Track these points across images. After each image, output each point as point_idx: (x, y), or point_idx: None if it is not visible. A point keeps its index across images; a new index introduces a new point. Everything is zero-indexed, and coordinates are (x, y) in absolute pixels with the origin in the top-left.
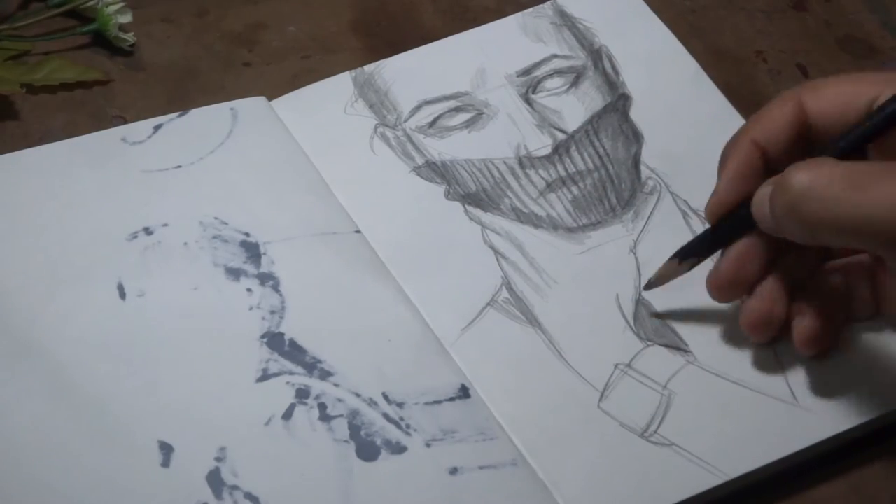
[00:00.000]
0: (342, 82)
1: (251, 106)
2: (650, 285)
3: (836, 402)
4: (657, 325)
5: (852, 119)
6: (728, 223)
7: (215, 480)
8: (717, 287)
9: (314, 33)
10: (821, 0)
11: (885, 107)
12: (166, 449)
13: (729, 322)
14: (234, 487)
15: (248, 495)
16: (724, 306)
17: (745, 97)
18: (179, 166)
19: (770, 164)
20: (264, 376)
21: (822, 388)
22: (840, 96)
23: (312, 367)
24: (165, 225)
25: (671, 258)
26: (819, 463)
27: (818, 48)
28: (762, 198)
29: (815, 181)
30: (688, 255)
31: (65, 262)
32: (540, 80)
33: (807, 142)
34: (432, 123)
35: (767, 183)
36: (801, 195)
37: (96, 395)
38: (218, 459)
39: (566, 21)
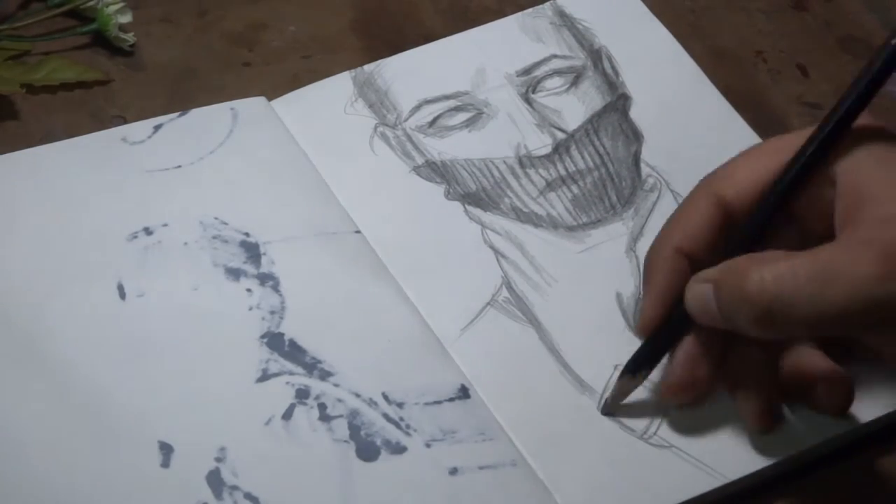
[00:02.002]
0: (342, 82)
1: (251, 106)
2: (607, 408)
3: None
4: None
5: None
6: (665, 332)
7: (215, 480)
8: (672, 394)
9: (314, 33)
10: (821, 0)
11: (777, 182)
12: (166, 449)
13: None
14: (234, 487)
15: (248, 495)
16: None
17: (745, 97)
18: (179, 166)
19: (695, 263)
20: (264, 376)
21: None
22: (751, 177)
23: (312, 367)
24: (165, 225)
25: (622, 376)
26: (819, 464)
27: (818, 48)
28: (701, 296)
29: (782, 285)
30: (637, 368)
31: (65, 262)
32: (540, 80)
33: (730, 233)
34: (432, 123)
35: (698, 279)
36: (772, 303)
37: (96, 394)
38: (218, 459)
39: (566, 21)
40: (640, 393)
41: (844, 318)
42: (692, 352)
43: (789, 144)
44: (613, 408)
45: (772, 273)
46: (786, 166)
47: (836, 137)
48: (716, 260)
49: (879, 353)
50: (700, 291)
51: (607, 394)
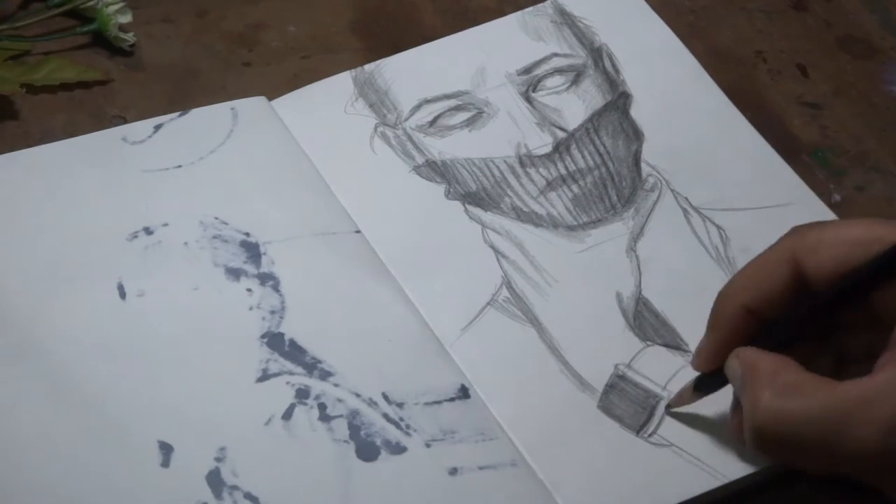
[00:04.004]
0: (342, 82)
1: (251, 106)
2: (669, 408)
3: None
4: (657, 325)
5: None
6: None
7: (215, 480)
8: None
9: (314, 33)
10: (821, 0)
11: (853, 278)
12: (166, 449)
13: None
14: (234, 487)
15: (248, 495)
16: None
17: (745, 97)
18: (180, 166)
19: (761, 320)
20: (264, 376)
21: None
22: (835, 257)
23: (312, 367)
24: (166, 225)
25: (689, 385)
26: None
27: (818, 48)
28: (732, 372)
29: (782, 422)
30: (702, 389)
31: (65, 262)
32: (540, 79)
33: (801, 296)
34: (432, 122)
35: (738, 355)
36: (766, 434)
37: (96, 394)
38: (218, 459)
39: (566, 19)
40: (640, 391)
41: (836, 471)
42: None
43: (881, 233)
44: (674, 408)
45: (779, 405)
46: (870, 263)
47: None
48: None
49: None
50: (734, 369)
51: (673, 398)
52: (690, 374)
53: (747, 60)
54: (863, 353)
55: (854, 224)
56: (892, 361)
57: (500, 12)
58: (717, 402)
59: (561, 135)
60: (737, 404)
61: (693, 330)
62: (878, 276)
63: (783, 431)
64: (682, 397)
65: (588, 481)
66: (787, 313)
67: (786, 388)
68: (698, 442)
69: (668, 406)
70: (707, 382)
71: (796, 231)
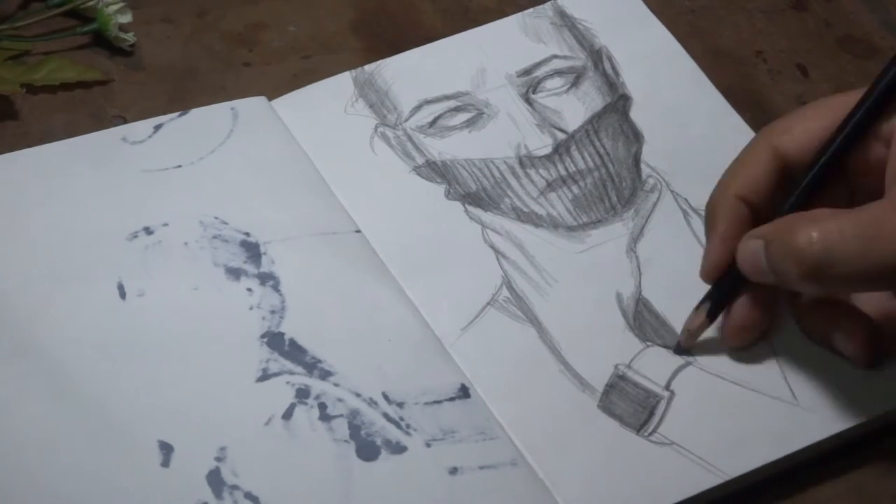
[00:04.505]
0: (342, 82)
1: (251, 106)
2: (680, 347)
3: (835, 401)
4: (657, 325)
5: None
6: (728, 278)
7: (215, 480)
8: (734, 336)
9: (314, 33)
10: (821, 0)
11: (830, 140)
12: (166, 449)
13: None
14: (234, 487)
15: (248, 495)
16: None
17: (745, 97)
18: (180, 166)
19: (755, 212)
20: (264, 376)
21: (822, 387)
22: (808, 133)
23: (312, 366)
24: (166, 225)
25: (693, 312)
26: (819, 463)
27: (818, 48)
28: (752, 253)
29: (829, 242)
30: (703, 303)
31: (65, 262)
32: (540, 81)
33: (786, 183)
34: (432, 123)
35: (751, 236)
36: (820, 260)
37: (96, 395)
38: (218, 459)
39: (566, 21)
40: (640, 391)
41: (890, 273)
42: (751, 295)
43: (843, 103)
44: (686, 345)
45: (820, 230)
46: (840, 125)
47: (886, 99)
48: (772, 210)
49: None
50: (751, 248)
51: (679, 337)
52: (693, 375)
53: (747, 60)
54: None
55: (816, 103)
56: None
57: (500, 13)
58: (717, 402)
59: (561, 136)
60: (736, 307)
61: None
62: (850, 136)
63: (830, 251)
64: (692, 331)
65: (588, 481)
66: (776, 199)
67: (819, 217)
68: (699, 440)
69: (678, 349)
70: (714, 295)
71: (769, 125)
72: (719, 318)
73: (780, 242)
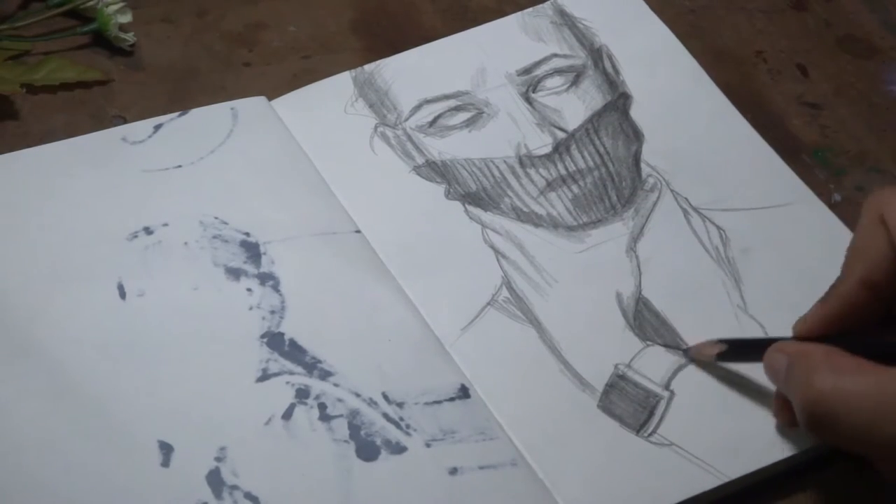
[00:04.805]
0: (342, 82)
1: (251, 106)
2: (689, 353)
3: None
4: (657, 325)
5: None
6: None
7: (215, 480)
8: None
9: (314, 33)
10: (821, 0)
11: None
12: (166, 449)
13: (729, 322)
14: (234, 487)
15: (248, 495)
16: (723, 307)
17: (745, 97)
18: (180, 166)
19: (879, 296)
20: (264, 376)
21: None
22: None
23: (312, 366)
24: (166, 225)
25: (720, 353)
26: (819, 463)
27: (818, 48)
28: (775, 366)
29: (839, 402)
30: (734, 356)
31: (65, 262)
32: (540, 79)
33: None
34: (432, 123)
35: (781, 349)
36: (824, 416)
37: (96, 395)
38: (218, 459)
39: (566, 20)
40: (640, 391)
41: (888, 454)
42: None
43: None
44: (693, 355)
45: (837, 383)
46: None
47: None
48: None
49: None
50: (776, 362)
51: (693, 346)
52: (693, 375)
53: (747, 60)
54: None
55: None
56: None
57: (500, 12)
58: (717, 403)
59: (561, 135)
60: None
61: (693, 330)
62: None
63: (838, 408)
64: (704, 352)
65: (588, 481)
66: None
67: (841, 367)
68: (698, 441)
69: (688, 352)
70: (735, 352)
71: (875, 194)
72: None
73: (797, 376)
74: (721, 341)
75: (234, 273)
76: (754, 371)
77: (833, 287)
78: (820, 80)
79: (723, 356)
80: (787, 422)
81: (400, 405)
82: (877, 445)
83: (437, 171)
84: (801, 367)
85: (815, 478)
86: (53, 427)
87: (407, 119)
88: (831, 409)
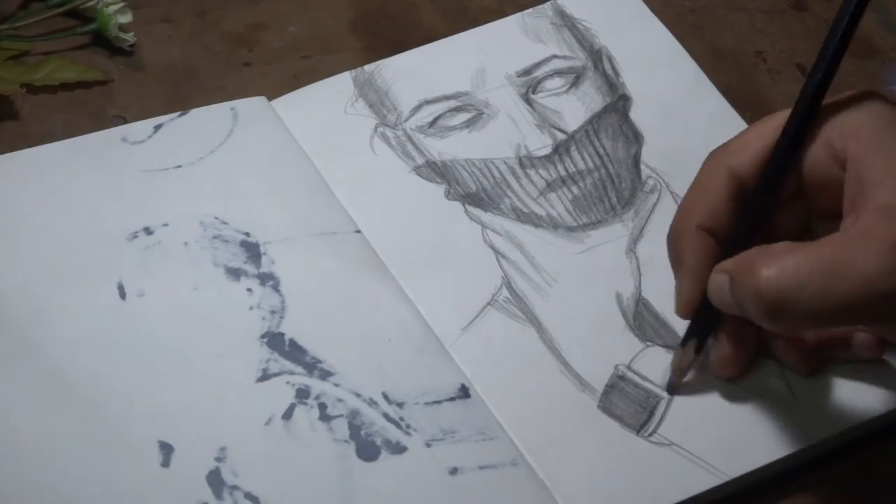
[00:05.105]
0: (342, 82)
1: (251, 106)
2: (672, 387)
3: (835, 401)
4: (657, 326)
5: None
6: (706, 309)
7: (215, 480)
8: (723, 368)
9: (314, 33)
10: (821, 0)
11: (775, 147)
12: (166, 449)
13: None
14: (234, 487)
15: (248, 495)
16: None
17: (745, 97)
18: (180, 166)
19: (719, 239)
20: (264, 376)
21: (822, 387)
22: (763, 150)
23: (312, 366)
24: (165, 225)
25: (676, 350)
26: (820, 463)
27: (818, 48)
28: (719, 287)
29: (787, 282)
30: (686, 341)
31: (65, 262)
32: (540, 81)
33: (744, 201)
34: (432, 123)
35: (717, 270)
36: (779, 299)
37: (96, 395)
38: (218, 459)
39: (566, 21)
40: (640, 391)
41: (850, 312)
42: (737, 325)
43: (782, 117)
44: (678, 385)
45: (778, 269)
46: (782, 130)
47: (821, 90)
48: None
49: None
50: (718, 283)
51: (669, 377)
52: (693, 375)
53: (747, 60)
54: (797, 232)
55: (770, 117)
56: (863, 210)
57: (500, 13)
58: (717, 402)
59: (560, 136)
60: (720, 340)
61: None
62: (792, 141)
63: (787, 289)
64: (682, 369)
65: (588, 481)
66: (737, 221)
67: (777, 253)
68: (698, 441)
69: (671, 388)
70: (696, 329)
71: (719, 146)
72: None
73: (741, 280)
74: (685, 340)
75: (234, 273)
76: (754, 370)
77: (674, 248)
78: None
79: (690, 340)
80: (731, 359)
81: (400, 405)
82: (832, 312)
83: (437, 171)
84: (743, 271)
85: (815, 477)
86: (53, 427)
87: (407, 119)
88: (784, 291)
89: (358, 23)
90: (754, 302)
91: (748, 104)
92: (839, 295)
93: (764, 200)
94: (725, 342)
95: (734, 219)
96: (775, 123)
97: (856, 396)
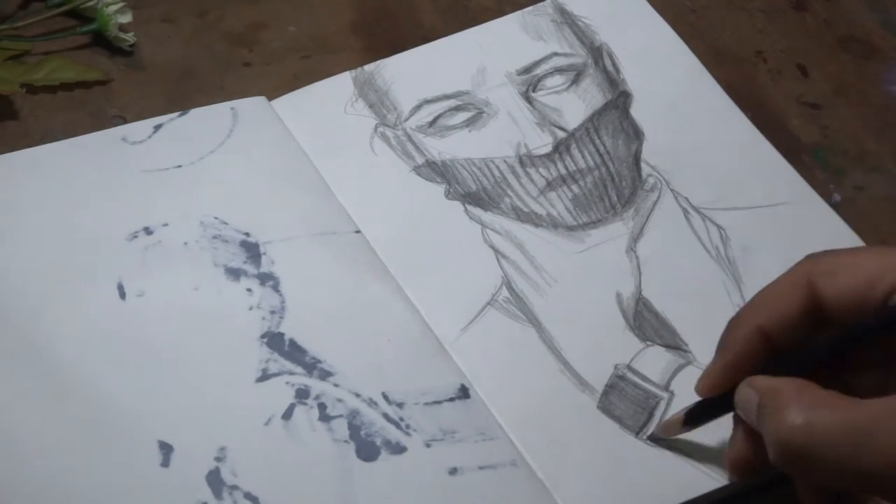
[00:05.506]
0: (342, 82)
1: (251, 106)
2: (656, 436)
3: None
4: (657, 325)
5: (870, 308)
6: (720, 403)
7: (215, 480)
8: (736, 471)
9: (314, 33)
10: (821, 0)
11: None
12: (166, 449)
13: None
14: (234, 487)
15: (248, 495)
16: (723, 306)
17: (745, 97)
18: (180, 166)
19: (774, 346)
20: (264, 376)
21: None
22: (856, 284)
23: (312, 367)
24: (165, 225)
25: (684, 420)
26: None
27: (818, 48)
28: (746, 403)
29: (814, 438)
30: (695, 421)
31: (65, 262)
32: (540, 79)
33: (817, 328)
34: (432, 123)
35: (751, 384)
36: (799, 453)
37: (96, 394)
38: (218, 459)
39: (566, 19)
40: (640, 391)
41: (874, 485)
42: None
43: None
44: (664, 435)
45: (808, 421)
46: (881, 311)
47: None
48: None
49: None
50: (746, 397)
51: (662, 421)
52: (693, 375)
53: (747, 60)
54: (874, 390)
55: (869, 252)
56: None
57: (499, 12)
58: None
59: (561, 134)
60: (737, 436)
61: (693, 330)
62: (888, 324)
63: (811, 444)
64: (670, 428)
65: (588, 481)
66: (802, 344)
67: (813, 402)
68: (697, 442)
69: (654, 435)
70: (703, 412)
71: (811, 257)
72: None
73: (768, 413)
74: (687, 411)
75: (234, 273)
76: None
77: (727, 334)
78: (820, 80)
79: (691, 418)
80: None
81: (400, 405)
82: (855, 478)
83: (437, 171)
84: (772, 404)
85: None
86: (53, 427)
87: (407, 119)
88: (804, 445)
89: (358, 23)
90: (775, 444)
91: (748, 104)
92: (865, 466)
93: (845, 347)
94: (742, 440)
95: (799, 335)
96: (878, 257)
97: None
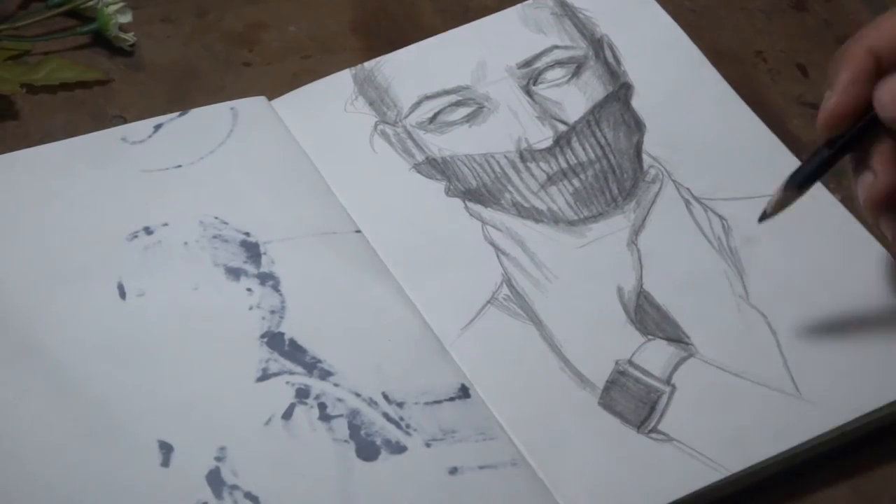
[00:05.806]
0: (342, 80)
1: (251, 106)
2: (766, 216)
3: (839, 393)
4: (658, 319)
5: None
6: (847, 135)
7: (215, 480)
8: (878, 208)
9: (314, 33)
10: (821, 0)
11: None
12: (166, 449)
13: (731, 313)
14: (234, 487)
15: (248, 495)
16: (726, 298)
17: (745, 97)
18: (180, 166)
19: (882, 68)
20: (264, 376)
21: (825, 379)
22: None
23: (312, 366)
24: (165, 225)
25: (785, 188)
26: (821, 463)
27: (818, 48)
28: (893, 93)
29: None
30: (805, 181)
31: (65, 262)
32: (541, 72)
33: None
34: (433, 119)
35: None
36: None
37: (96, 395)
38: (218, 459)
39: (567, 11)
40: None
41: None
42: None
43: None
44: (770, 216)
45: None
46: None
47: None
48: None
49: None
50: (893, 89)
51: (767, 206)
52: (694, 368)
53: (747, 60)
54: None
55: None
56: None
57: (499, 11)
58: (719, 396)
59: (562, 128)
60: (873, 170)
61: (695, 322)
62: None
63: None
64: (782, 203)
65: (588, 480)
66: None
67: None
68: (700, 436)
69: (764, 216)
70: (815, 164)
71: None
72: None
73: None
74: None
75: (234, 273)
76: (757, 362)
77: (841, 60)
78: (820, 80)
79: (799, 180)
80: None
81: (400, 405)
82: None
83: (437, 167)
84: None
85: (816, 478)
86: (53, 427)
87: (407, 116)
88: None
89: (358, 23)
90: None
91: (748, 104)
92: None
93: None
94: (884, 171)
95: None
96: None
97: (859, 388)
